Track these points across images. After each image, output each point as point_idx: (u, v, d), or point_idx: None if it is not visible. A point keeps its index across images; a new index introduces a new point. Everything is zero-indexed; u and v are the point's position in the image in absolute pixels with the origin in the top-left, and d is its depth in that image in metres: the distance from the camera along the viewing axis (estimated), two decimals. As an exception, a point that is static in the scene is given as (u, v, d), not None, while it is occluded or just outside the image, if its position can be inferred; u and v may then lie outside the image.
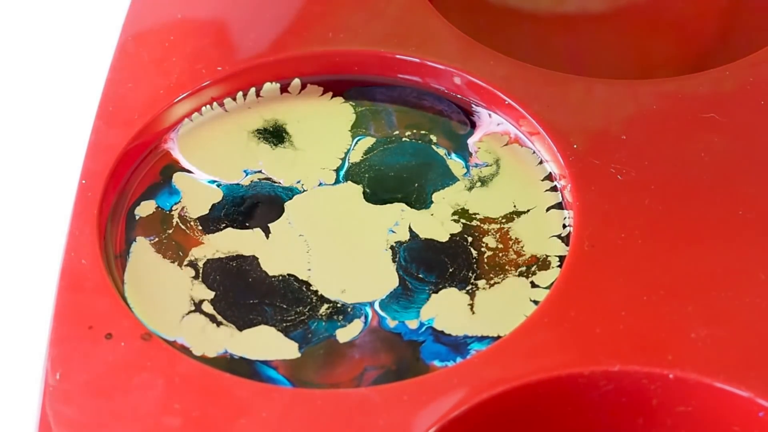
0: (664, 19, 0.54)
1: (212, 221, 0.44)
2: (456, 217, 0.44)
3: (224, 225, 0.44)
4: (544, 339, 0.40)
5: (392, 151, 0.46)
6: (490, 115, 0.47)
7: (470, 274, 0.43)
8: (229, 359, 0.41)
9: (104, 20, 0.57)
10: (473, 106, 0.47)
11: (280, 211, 0.45)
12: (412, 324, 0.42)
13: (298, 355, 0.41)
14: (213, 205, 0.45)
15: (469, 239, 0.44)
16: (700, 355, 0.39)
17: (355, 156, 0.46)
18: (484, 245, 0.43)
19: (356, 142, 0.47)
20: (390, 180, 0.45)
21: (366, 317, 0.42)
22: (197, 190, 0.45)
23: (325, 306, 0.42)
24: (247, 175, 0.46)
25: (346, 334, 0.41)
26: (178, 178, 0.46)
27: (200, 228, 0.44)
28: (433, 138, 0.47)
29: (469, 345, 0.41)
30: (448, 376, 0.39)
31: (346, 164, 0.46)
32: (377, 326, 0.41)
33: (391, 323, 0.41)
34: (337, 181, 0.45)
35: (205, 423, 0.38)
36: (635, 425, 0.40)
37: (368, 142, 0.47)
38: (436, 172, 0.46)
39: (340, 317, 0.42)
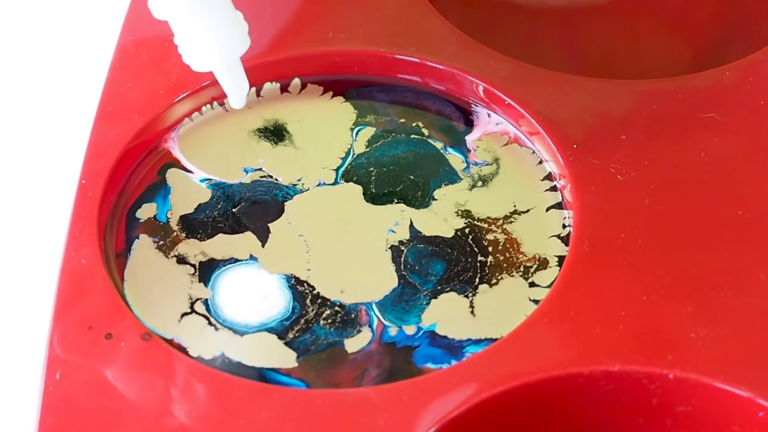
0: (664, 19, 0.54)
1: (198, 223, 0.44)
2: (458, 215, 0.44)
3: (210, 229, 0.44)
4: (544, 339, 0.40)
5: (392, 150, 0.46)
6: (489, 114, 0.47)
7: (473, 275, 0.43)
8: (227, 363, 0.41)
9: (104, 20, 0.57)
10: (473, 105, 0.47)
11: (273, 214, 0.45)
12: (410, 330, 0.41)
13: (296, 364, 0.41)
14: (199, 206, 0.45)
15: (472, 238, 0.44)
16: (700, 355, 0.39)
17: (359, 147, 0.46)
18: (485, 246, 0.43)
19: (357, 132, 0.47)
20: (390, 179, 0.45)
21: (372, 327, 0.41)
22: (187, 188, 0.45)
23: (329, 312, 0.42)
24: (247, 173, 0.46)
25: (354, 344, 0.41)
26: (171, 175, 0.46)
27: (184, 228, 0.44)
28: (433, 136, 0.47)
29: (465, 348, 0.41)
30: (448, 376, 0.39)
31: (347, 162, 0.46)
32: (379, 336, 0.41)
33: (393, 331, 0.41)
34: (336, 181, 0.45)
35: (205, 423, 0.38)
36: (635, 425, 0.40)
37: (369, 132, 0.47)
38: (436, 170, 0.46)
39: (348, 327, 0.41)
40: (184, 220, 0.44)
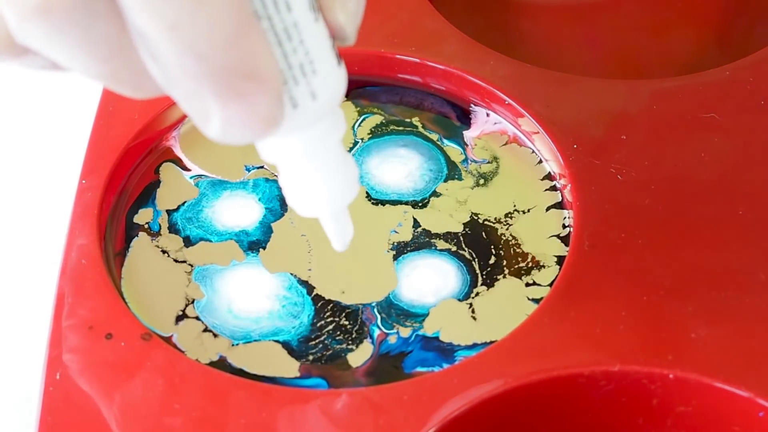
0: (664, 19, 0.54)
1: (177, 224, 0.44)
2: (459, 213, 0.44)
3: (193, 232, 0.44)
4: (544, 339, 0.40)
5: (392, 143, 0.46)
6: (487, 114, 0.47)
7: (473, 277, 0.42)
8: (228, 367, 0.40)
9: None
10: (472, 105, 0.47)
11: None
12: (405, 332, 0.41)
13: (297, 374, 0.40)
14: (183, 203, 0.45)
15: (472, 238, 0.44)
16: (700, 355, 0.39)
17: (362, 133, 0.46)
18: (485, 246, 0.43)
19: (360, 123, 0.47)
20: (391, 177, 0.45)
21: (372, 338, 0.41)
22: (177, 184, 0.45)
23: (336, 323, 0.42)
24: (249, 171, 0.46)
25: (357, 358, 0.41)
26: (164, 170, 0.45)
27: (167, 224, 0.44)
28: (434, 135, 0.47)
29: (456, 351, 0.41)
30: (449, 377, 0.39)
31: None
32: (378, 348, 0.41)
33: (392, 339, 0.41)
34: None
35: (205, 423, 0.38)
36: (635, 425, 0.40)
37: (371, 122, 0.47)
38: (437, 168, 0.46)
39: (352, 340, 0.41)
40: (167, 216, 0.44)
